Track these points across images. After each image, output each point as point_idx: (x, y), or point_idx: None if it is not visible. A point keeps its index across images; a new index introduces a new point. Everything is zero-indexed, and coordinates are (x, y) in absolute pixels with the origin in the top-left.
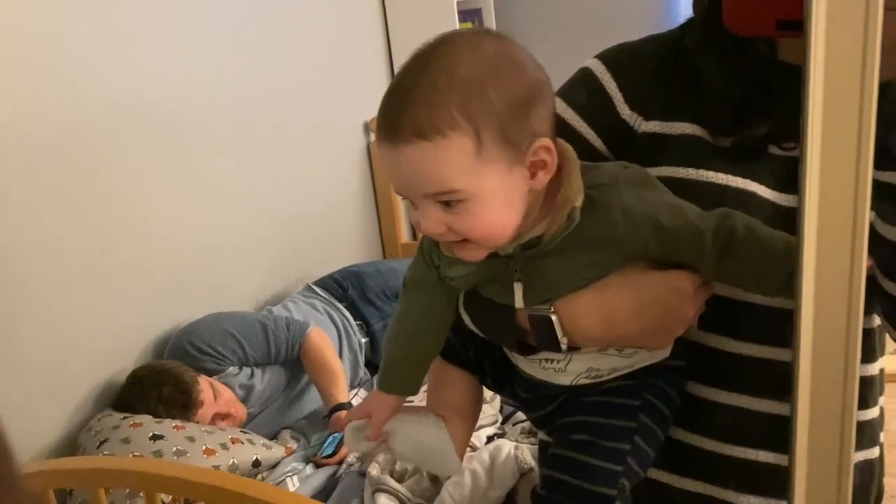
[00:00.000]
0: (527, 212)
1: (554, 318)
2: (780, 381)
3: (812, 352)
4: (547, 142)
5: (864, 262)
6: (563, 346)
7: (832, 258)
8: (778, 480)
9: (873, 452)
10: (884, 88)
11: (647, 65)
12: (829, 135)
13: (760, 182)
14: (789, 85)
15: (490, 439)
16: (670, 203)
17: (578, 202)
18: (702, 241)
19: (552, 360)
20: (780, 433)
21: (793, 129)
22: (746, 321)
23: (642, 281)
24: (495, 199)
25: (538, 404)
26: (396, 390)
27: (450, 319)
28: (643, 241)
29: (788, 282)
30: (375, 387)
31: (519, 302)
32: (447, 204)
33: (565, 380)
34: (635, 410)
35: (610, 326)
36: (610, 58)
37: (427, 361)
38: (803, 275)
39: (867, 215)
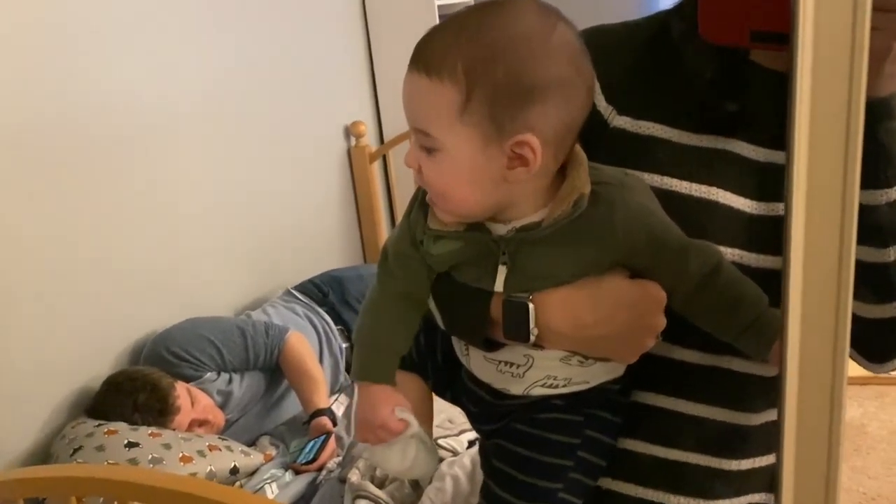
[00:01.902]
0: (526, 197)
1: (531, 305)
2: (708, 386)
3: (799, 360)
4: (533, 140)
5: (852, 269)
6: (533, 338)
7: (819, 266)
8: (704, 481)
9: None
10: None
11: (624, 56)
12: (815, 148)
13: (726, 188)
14: (759, 85)
15: (471, 444)
16: (666, 219)
17: (586, 190)
18: (686, 264)
19: (511, 364)
20: (707, 436)
21: (762, 130)
22: (690, 328)
23: (617, 285)
24: (462, 164)
25: (486, 419)
26: (390, 379)
27: (427, 300)
28: (635, 246)
29: (743, 332)
30: (369, 382)
31: (499, 286)
32: (428, 148)
33: (519, 387)
34: (574, 449)
35: (579, 326)
36: (588, 42)
37: (409, 346)
38: (790, 280)
39: (854, 223)
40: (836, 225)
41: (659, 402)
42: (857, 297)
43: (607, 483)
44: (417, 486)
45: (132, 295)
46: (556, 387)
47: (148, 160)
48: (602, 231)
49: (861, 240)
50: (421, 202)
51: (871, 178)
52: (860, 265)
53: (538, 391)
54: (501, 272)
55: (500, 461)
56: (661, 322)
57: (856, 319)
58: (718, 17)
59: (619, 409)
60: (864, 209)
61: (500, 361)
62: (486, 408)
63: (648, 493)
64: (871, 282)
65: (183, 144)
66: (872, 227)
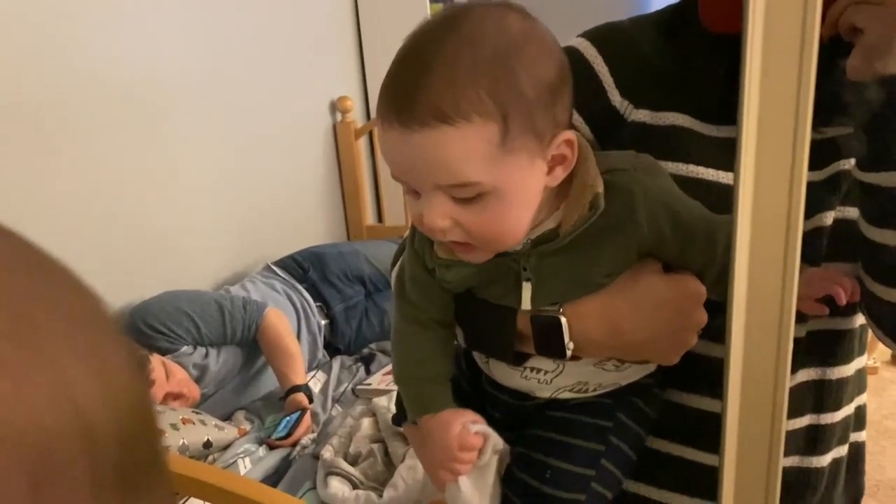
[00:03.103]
0: (538, 206)
1: (563, 320)
2: None
3: (743, 355)
4: (570, 135)
5: (798, 260)
6: (569, 352)
7: (766, 255)
8: None
9: (841, 451)
10: (866, 88)
11: (636, 49)
12: (765, 127)
13: None
14: None
15: None
16: (686, 198)
17: (600, 188)
18: (714, 245)
19: (539, 371)
20: None
21: None
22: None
23: (653, 284)
24: (514, 195)
25: (513, 423)
26: (449, 403)
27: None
28: (660, 231)
29: None
30: (429, 415)
31: (526, 304)
32: (460, 197)
33: (545, 392)
34: (605, 432)
35: (617, 333)
36: (599, 39)
37: (452, 367)
38: (736, 272)
39: (801, 213)
40: (782, 218)
41: (703, 406)
42: (885, 282)
43: (641, 489)
44: (390, 465)
45: (110, 266)
46: (586, 391)
47: (129, 134)
48: (625, 224)
49: (885, 223)
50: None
51: (892, 158)
52: (886, 249)
53: (566, 395)
54: (527, 289)
55: (528, 448)
56: (703, 317)
57: (881, 303)
58: (720, 5)
59: (653, 400)
60: (886, 191)
61: (525, 367)
62: (510, 411)
63: (696, 503)
64: (894, 265)
65: (166, 118)
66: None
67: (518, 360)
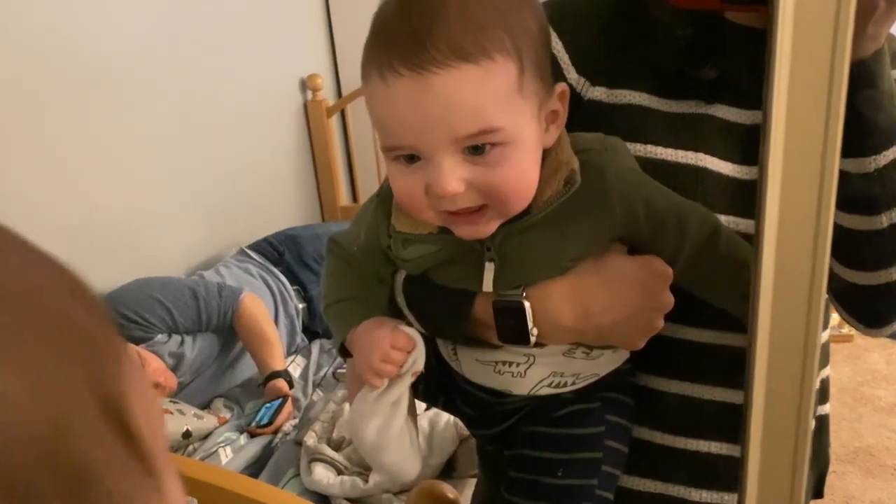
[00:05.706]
0: None
1: (527, 304)
2: (729, 367)
3: (769, 353)
4: (563, 85)
5: (828, 250)
6: (533, 339)
7: (793, 244)
8: (731, 472)
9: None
10: None
11: (591, 25)
12: (793, 115)
13: (713, 154)
14: (737, 45)
15: (429, 406)
16: (657, 183)
17: (576, 164)
18: (685, 229)
19: (510, 364)
20: (729, 422)
21: (743, 91)
22: (692, 305)
23: (621, 265)
24: (530, 145)
25: (486, 422)
26: (381, 312)
27: (388, 290)
28: (633, 214)
29: (743, 301)
30: (354, 333)
31: (488, 285)
32: (475, 151)
33: (523, 388)
34: (601, 438)
35: (585, 316)
36: (551, 15)
37: (387, 299)
38: (762, 263)
39: (833, 196)
40: (814, 192)
41: (668, 388)
42: (850, 264)
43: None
44: None
45: (79, 254)
46: (565, 385)
47: (96, 115)
48: (596, 202)
49: (853, 208)
50: (380, 202)
51: (860, 144)
52: (853, 233)
53: (546, 391)
54: (489, 270)
55: (524, 471)
56: (669, 299)
57: (850, 287)
58: None
59: (629, 388)
60: (854, 177)
61: (496, 362)
62: (485, 409)
63: (669, 489)
64: (864, 249)
65: (132, 96)
66: (864, 195)
67: (473, 345)
